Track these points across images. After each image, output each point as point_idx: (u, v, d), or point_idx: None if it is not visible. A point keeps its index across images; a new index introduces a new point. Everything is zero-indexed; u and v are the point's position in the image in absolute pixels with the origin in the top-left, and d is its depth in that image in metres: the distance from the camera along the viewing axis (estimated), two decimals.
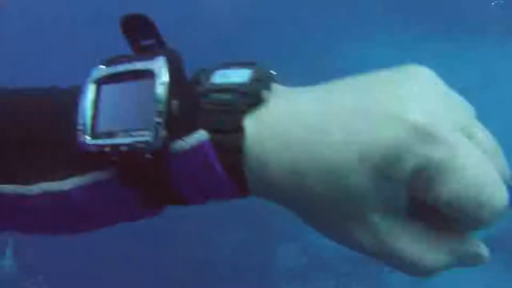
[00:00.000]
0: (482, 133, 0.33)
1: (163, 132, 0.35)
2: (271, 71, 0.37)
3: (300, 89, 0.37)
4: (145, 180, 0.37)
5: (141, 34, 0.38)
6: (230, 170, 0.35)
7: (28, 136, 0.39)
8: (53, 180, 0.38)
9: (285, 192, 0.35)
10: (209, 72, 0.37)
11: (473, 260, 0.35)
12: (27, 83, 0.45)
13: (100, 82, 0.37)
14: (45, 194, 0.39)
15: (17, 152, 0.39)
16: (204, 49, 3.12)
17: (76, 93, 0.38)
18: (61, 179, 0.38)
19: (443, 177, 0.31)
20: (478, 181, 0.31)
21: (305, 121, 0.34)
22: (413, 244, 0.33)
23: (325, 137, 0.33)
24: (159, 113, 0.35)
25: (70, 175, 0.38)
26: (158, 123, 0.35)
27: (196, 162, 0.35)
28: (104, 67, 0.38)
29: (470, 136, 0.32)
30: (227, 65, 0.38)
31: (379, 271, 3.21)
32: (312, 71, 3.45)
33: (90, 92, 0.37)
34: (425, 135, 0.31)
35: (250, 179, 0.36)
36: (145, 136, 0.35)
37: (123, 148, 0.35)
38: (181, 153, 0.36)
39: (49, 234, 0.44)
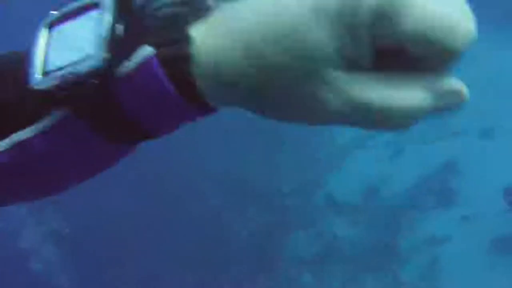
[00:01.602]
0: None
1: (104, 53, 0.34)
2: None
3: None
4: (98, 111, 0.36)
5: None
6: (180, 82, 0.34)
7: None
8: (16, 130, 0.38)
9: (242, 85, 0.33)
10: None
11: (452, 97, 0.33)
12: None
13: (51, 25, 0.38)
14: (14, 147, 0.38)
15: None
16: None
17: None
18: (23, 127, 0.38)
19: (405, 11, 0.30)
20: (443, 8, 0.30)
21: (255, 7, 0.33)
22: (380, 91, 0.31)
23: (277, 5, 0.32)
24: (100, 36, 0.35)
25: (29, 124, 0.37)
26: (99, 45, 0.34)
27: (145, 80, 0.34)
28: (55, 12, 0.38)
29: None
30: None
31: (392, 263, 3.21)
32: None
33: (41, 36, 0.37)
34: None
35: (204, 86, 0.34)
36: (89, 61, 0.34)
37: (69, 78, 0.35)
38: (128, 74, 0.35)
39: (21, 198, 0.43)
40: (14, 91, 0.38)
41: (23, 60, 0.38)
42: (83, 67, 0.35)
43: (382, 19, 0.30)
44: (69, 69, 0.35)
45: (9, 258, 3.33)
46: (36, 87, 0.36)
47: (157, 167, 3.56)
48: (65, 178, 0.42)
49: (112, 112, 0.36)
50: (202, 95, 0.34)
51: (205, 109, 0.36)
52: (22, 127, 0.38)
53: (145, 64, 0.34)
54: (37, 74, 0.36)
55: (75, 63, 0.35)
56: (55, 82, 0.35)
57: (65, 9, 0.38)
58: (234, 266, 3.36)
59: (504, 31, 3.78)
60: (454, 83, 0.33)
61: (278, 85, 0.33)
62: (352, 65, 0.31)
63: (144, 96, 0.35)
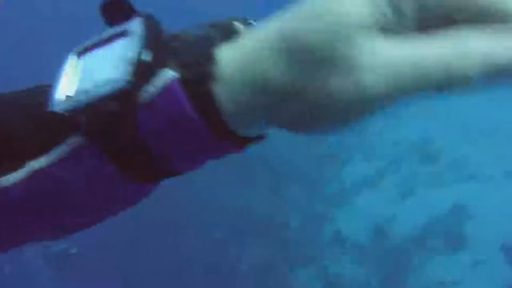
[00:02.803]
0: None
1: (126, 76, 0.32)
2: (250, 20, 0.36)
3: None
4: (116, 141, 0.34)
5: (121, 17, 0.36)
6: (203, 105, 0.32)
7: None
8: (32, 159, 0.36)
9: (272, 83, 0.32)
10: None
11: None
12: None
13: (80, 54, 0.36)
14: (30, 177, 0.36)
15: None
16: None
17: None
18: (40, 155, 0.36)
19: None
20: None
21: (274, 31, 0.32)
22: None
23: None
24: (125, 60, 0.33)
25: (49, 149, 0.36)
26: (123, 69, 0.33)
27: (166, 105, 0.33)
28: (86, 42, 0.37)
29: None
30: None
31: None
32: None
33: (69, 63, 0.36)
34: None
35: (229, 106, 0.33)
36: (111, 84, 0.33)
37: (88, 100, 0.33)
38: (150, 99, 0.33)
39: (32, 238, 0.41)
40: (32, 119, 0.37)
41: (46, 90, 0.37)
42: (103, 90, 0.33)
43: None
44: (90, 92, 0.34)
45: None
46: (54, 108, 0.34)
47: (159, 198, 3.54)
48: (80, 215, 0.40)
49: (132, 144, 0.34)
50: (226, 120, 0.33)
51: (230, 140, 0.34)
52: (38, 155, 0.36)
53: (166, 88, 0.32)
54: (58, 97, 0.35)
55: (96, 86, 0.33)
56: (74, 103, 0.34)
57: (95, 39, 0.36)
58: None
59: None
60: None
61: (310, 73, 0.31)
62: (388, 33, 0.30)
63: (166, 123, 0.33)
